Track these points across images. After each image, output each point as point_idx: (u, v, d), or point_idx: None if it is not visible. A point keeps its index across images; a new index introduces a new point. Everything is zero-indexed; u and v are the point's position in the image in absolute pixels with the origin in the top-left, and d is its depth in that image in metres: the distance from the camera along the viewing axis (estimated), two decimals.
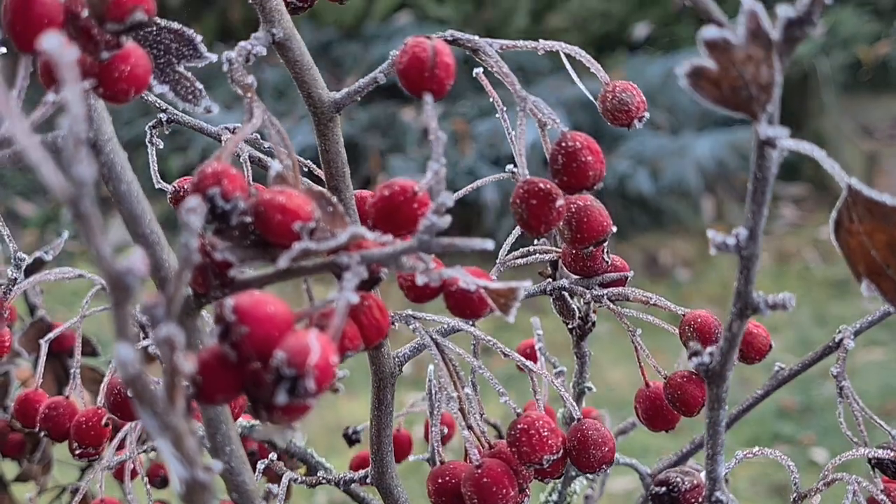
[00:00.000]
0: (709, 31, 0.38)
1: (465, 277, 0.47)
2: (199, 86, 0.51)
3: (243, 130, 0.48)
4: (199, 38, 0.51)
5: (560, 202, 0.52)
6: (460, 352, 0.56)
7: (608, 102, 0.54)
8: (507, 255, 0.69)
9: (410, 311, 0.58)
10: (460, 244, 0.44)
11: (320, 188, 0.46)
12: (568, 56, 0.56)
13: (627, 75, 4.72)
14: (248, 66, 0.49)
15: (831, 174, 0.42)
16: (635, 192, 4.30)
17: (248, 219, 0.44)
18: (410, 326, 0.58)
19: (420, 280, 0.46)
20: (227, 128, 0.58)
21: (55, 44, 0.32)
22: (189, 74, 0.51)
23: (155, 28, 0.49)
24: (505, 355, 0.57)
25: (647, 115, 0.55)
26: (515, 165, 0.57)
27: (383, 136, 4.59)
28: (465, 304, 0.50)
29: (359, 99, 0.56)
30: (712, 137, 4.46)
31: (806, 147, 0.42)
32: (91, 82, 0.44)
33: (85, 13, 0.42)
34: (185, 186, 0.66)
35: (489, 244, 0.44)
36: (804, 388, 3.58)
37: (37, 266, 0.89)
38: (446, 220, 0.44)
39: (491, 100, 0.66)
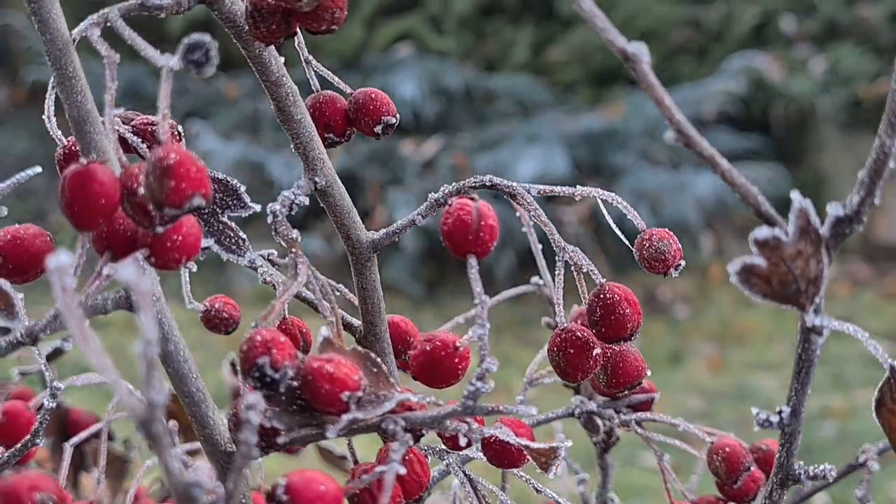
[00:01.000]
0: (760, 232, 0.39)
1: (507, 436, 0.48)
2: (243, 236, 0.52)
3: (290, 288, 0.48)
4: (242, 187, 0.52)
5: (597, 351, 0.53)
6: (492, 488, 0.56)
7: (645, 251, 0.55)
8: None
9: (443, 445, 0.58)
10: (504, 410, 0.45)
11: (365, 350, 0.47)
12: (604, 202, 0.56)
13: (627, 109, 4.75)
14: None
15: (876, 355, 0.43)
16: (635, 227, 4.31)
17: (296, 383, 0.45)
18: (444, 462, 0.58)
19: (463, 441, 0.46)
20: (261, 255, 0.58)
21: (132, 273, 0.33)
22: (233, 225, 0.52)
23: None
24: (538, 491, 0.57)
25: (683, 262, 0.56)
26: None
27: (382, 169, 4.60)
28: (504, 457, 0.51)
29: (397, 239, 0.56)
30: (712, 174, 4.47)
31: (849, 329, 0.43)
32: (144, 252, 0.45)
33: (141, 191, 0.43)
34: (216, 306, 0.66)
35: (532, 410, 0.45)
36: (805, 429, 3.57)
37: (56, 354, 0.89)
38: (490, 386, 0.45)
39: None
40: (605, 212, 0.65)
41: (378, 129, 0.58)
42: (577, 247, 0.55)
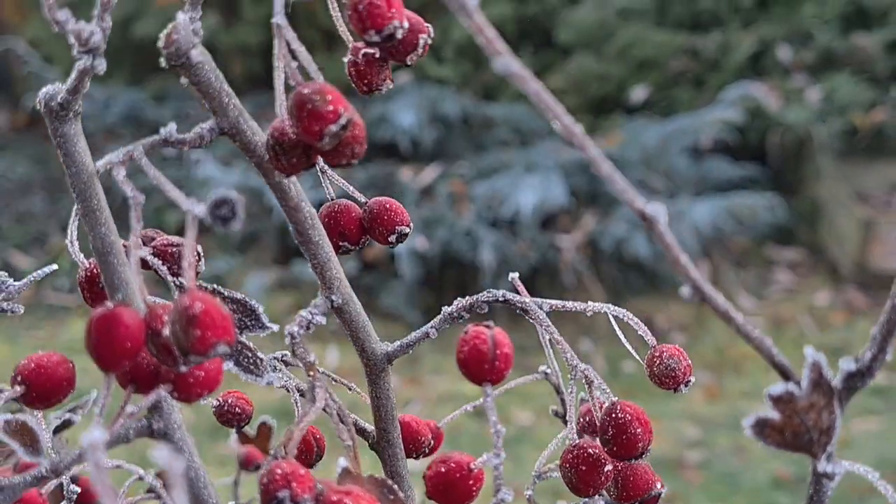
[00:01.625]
0: (775, 388, 0.40)
1: None
2: (261, 356, 0.53)
3: (308, 414, 0.49)
4: (260, 307, 0.53)
5: (608, 467, 0.54)
6: None
7: (655, 367, 0.56)
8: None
9: None
10: None
11: (382, 478, 0.48)
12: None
13: (625, 138, 4.77)
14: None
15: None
16: (632, 255, 4.33)
17: None
18: None
19: None
20: (275, 357, 0.59)
21: (165, 456, 0.33)
22: (251, 345, 0.52)
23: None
24: None
25: (692, 378, 0.57)
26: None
27: (381, 195, 4.62)
28: None
29: (410, 351, 0.57)
30: (709, 202, 4.50)
31: (860, 469, 0.44)
32: (167, 387, 0.46)
33: (166, 332, 0.44)
34: (229, 401, 0.67)
35: None
36: (799, 457, 3.58)
37: (65, 425, 0.90)
38: None
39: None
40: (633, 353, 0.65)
41: (392, 238, 0.59)
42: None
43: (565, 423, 0.57)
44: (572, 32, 5.44)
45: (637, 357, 0.59)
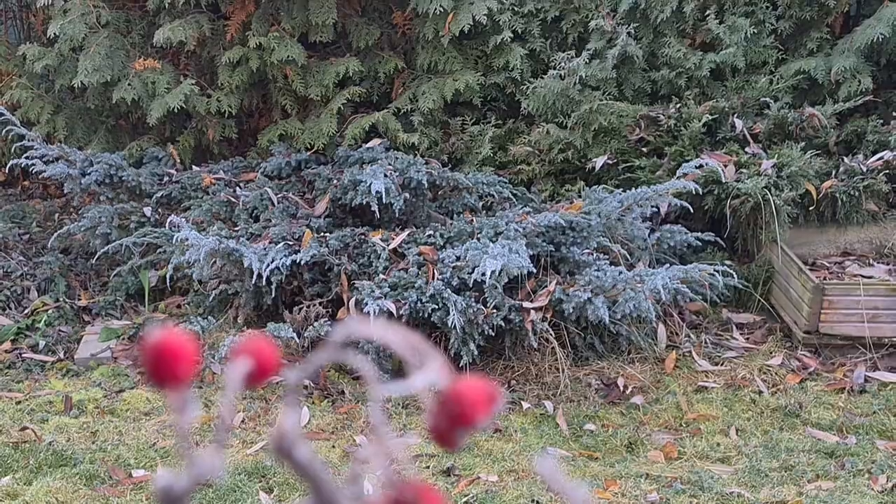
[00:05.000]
0: None
1: None
2: None
3: None
4: None
5: None
6: None
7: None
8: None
9: None
10: None
11: None
12: None
13: (585, 206, 4.93)
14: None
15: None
16: (594, 319, 4.47)
17: None
18: None
19: None
20: None
21: None
22: None
23: None
24: None
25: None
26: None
27: (350, 260, 4.76)
28: None
29: None
30: (666, 270, 4.65)
31: None
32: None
33: None
34: None
35: None
36: None
37: None
38: None
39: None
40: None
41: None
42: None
43: None
44: (536, 102, 5.61)
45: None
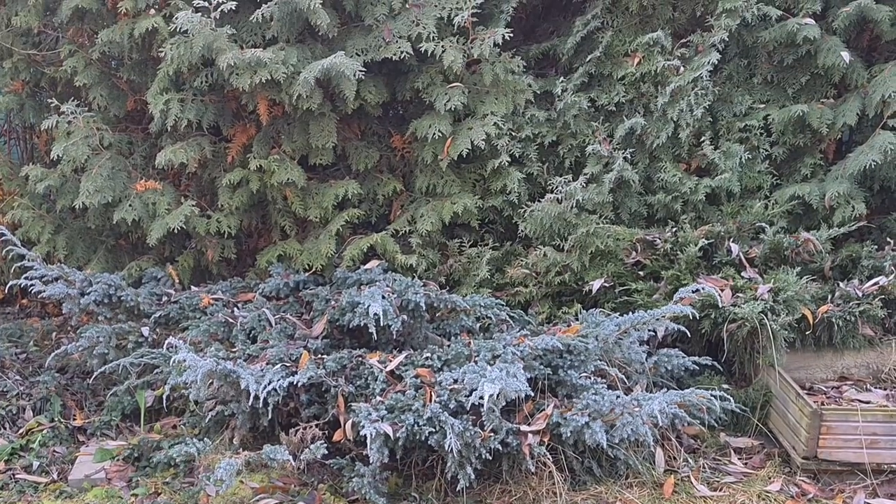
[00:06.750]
0: None
1: None
2: None
3: None
4: None
5: None
6: None
7: None
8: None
9: None
10: None
11: None
12: None
13: (583, 329, 4.94)
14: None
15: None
16: (591, 443, 4.45)
17: None
18: None
19: None
20: None
21: None
22: None
23: None
24: None
25: None
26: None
27: (348, 382, 4.75)
28: None
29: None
30: (664, 395, 4.66)
31: None
32: None
33: None
34: None
35: None
36: None
37: None
38: None
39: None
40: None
41: None
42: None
43: None
44: (534, 224, 5.66)
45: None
